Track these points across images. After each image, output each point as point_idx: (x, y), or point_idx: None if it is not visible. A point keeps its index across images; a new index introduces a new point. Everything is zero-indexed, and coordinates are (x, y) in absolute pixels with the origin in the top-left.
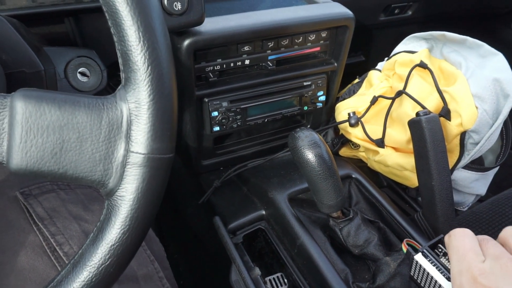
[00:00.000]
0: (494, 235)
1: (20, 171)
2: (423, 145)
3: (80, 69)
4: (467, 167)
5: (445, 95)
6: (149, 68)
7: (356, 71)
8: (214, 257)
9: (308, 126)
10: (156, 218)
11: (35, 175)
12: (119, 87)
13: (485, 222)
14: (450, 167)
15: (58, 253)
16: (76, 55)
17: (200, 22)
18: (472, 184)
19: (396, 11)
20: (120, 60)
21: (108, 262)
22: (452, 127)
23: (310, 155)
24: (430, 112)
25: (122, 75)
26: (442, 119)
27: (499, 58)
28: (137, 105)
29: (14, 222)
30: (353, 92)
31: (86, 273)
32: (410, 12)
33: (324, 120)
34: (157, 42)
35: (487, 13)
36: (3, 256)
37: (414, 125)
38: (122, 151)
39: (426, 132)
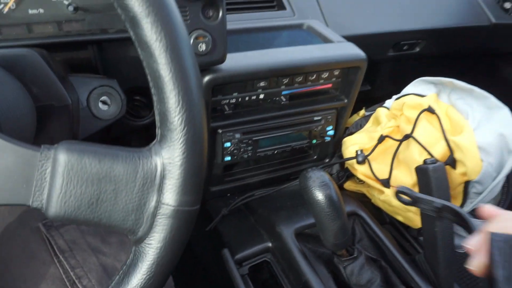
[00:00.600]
0: None
1: (57, 218)
2: (428, 192)
3: (102, 98)
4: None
5: (451, 144)
6: (185, 128)
7: (361, 100)
8: (219, 286)
9: (315, 157)
10: None
11: (71, 222)
12: (153, 142)
13: None
14: None
15: (77, 286)
16: (99, 84)
17: (222, 61)
18: None
19: (404, 48)
20: (157, 118)
21: None
22: (457, 176)
23: (320, 196)
24: (437, 161)
25: (158, 131)
26: (447, 166)
27: (505, 112)
28: (171, 161)
29: (36, 253)
30: (360, 126)
31: None
32: (418, 49)
33: (330, 152)
34: (194, 105)
35: (494, 53)
36: (25, 287)
37: (421, 172)
38: (154, 202)
39: (432, 180)
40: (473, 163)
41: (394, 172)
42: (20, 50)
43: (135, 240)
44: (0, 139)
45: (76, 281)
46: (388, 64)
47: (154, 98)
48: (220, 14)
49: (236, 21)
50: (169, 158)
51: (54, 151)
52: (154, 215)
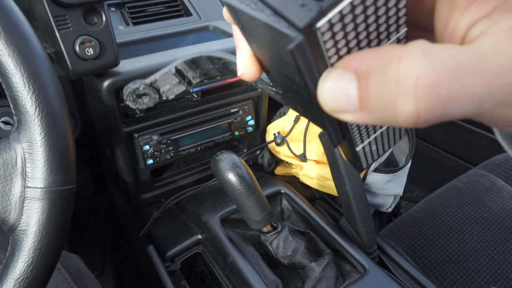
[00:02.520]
0: (427, 234)
1: None
2: (333, 155)
3: (3, 118)
4: (378, 170)
5: None
6: (37, 109)
7: None
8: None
9: (245, 150)
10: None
11: None
12: (12, 130)
13: (418, 221)
14: (363, 172)
15: None
16: None
17: (115, 64)
18: (386, 186)
19: None
20: (11, 105)
21: None
22: None
23: (230, 175)
24: None
25: (14, 118)
26: None
27: None
28: (29, 144)
29: None
30: (283, 113)
31: None
32: None
33: (259, 143)
34: (43, 86)
35: None
36: None
37: (323, 136)
38: (19, 187)
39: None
40: None
41: (308, 146)
42: None
43: (8, 229)
44: None
45: None
46: None
47: (3, 85)
48: (104, 19)
49: (145, 31)
50: (27, 142)
51: None
52: (22, 200)
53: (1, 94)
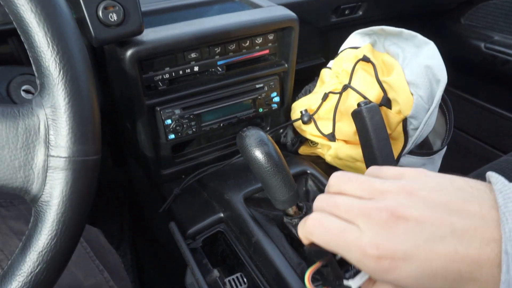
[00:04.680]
0: None
1: None
2: (366, 134)
3: (24, 87)
4: (413, 152)
5: (384, 85)
6: (61, 72)
7: (317, 73)
8: (177, 262)
9: (268, 128)
10: (129, 227)
11: None
12: (35, 94)
13: None
14: (397, 153)
15: None
16: (19, 73)
17: (139, 32)
18: None
19: (346, 12)
20: (33, 67)
21: (37, 270)
22: (393, 115)
23: (257, 152)
24: (370, 102)
25: (37, 81)
26: (383, 108)
27: (431, 46)
28: (53, 109)
29: None
30: (308, 91)
31: (15, 283)
32: (360, 12)
33: (283, 121)
34: (67, 46)
35: (437, 9)
36: None
37: (356, 115)
38: (42, 156)
39: (367, 121)
40: (404, 98)
41: (337, 125)
42: None
43: (31, 200)
44: None
45: None
46: (336, 32)
47: (26, 46)
48: None
49: (165, 0)
50: (51, 107)
51: None
52: (45, 169)
53: (22, 62)
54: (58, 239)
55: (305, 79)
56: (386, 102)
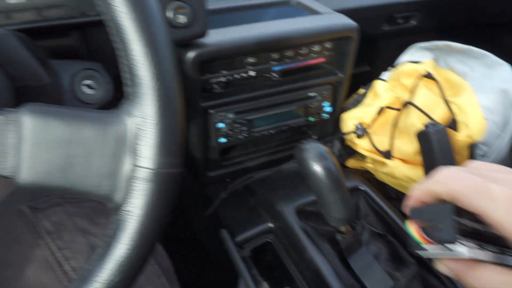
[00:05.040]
0: None
1: (28, 186)
2: (431, 157)
3: (86, 82)
4: None
5: (452, 106)
6: (155, 82)
7: (361, 81)
8: (221, 270)
9: (314, 137)
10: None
11: (43, 189)
12: (124, 102)
13: None
14: None
15: (65, 267)
16: (82, 67)
17: (203, 34)
18: None
19: (399, 21)
20: (125, 75)
21: (115, 279)
22: (461, 139)
23: (317, 167)
24: (438, 124)
25: (128, 89)
26: (450, 130)
27: (506, 68)
28: (143, 119)
29: (21, 236)
30: (358, 102)
31: None
32: (414, 22)
33: (330, 131)
34: (163, 57)
35: (492, 22)
36: (10, 271)
37: (422, 136)
38: (129, 165)
39: (434, 144)
40: (476, 123)
41: (395, 142)
42: None
43: (114, 208)
44: None
45: (64, 263)
46: (386, 41)
47: (120, 53)
48: None
49: (220, 0)
50: (141, 117)
51: (18, 114)
52: (130, 179)
53: (83, 56)
54: (137, 250)
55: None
56: (454, 124)
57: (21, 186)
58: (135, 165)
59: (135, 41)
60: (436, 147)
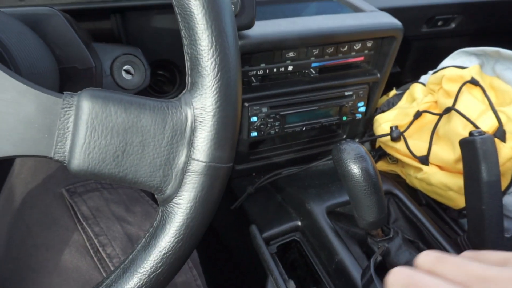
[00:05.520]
0: None
1: (81, 172)
2: (475, 167)
3: (125, 67)
4: None
5: (500, 115)
6: (219, 74)
7: (390, 82)
8: (246, 265)
9: (344, 136)
10: None
11: (95, 177)
12: (184, 91)
13: None
14: (502, 190)
15: (101, 254)
16: (123, 52)
17: (250, 25)
18: None
19: (439, 23)
20: (188, 64)
21: (159, 270)
22: (507, 150)
23: (355, 169)
24: (484, 133)
25: (189, 79)
26: (496, 140)
27: None
28: (202, 111)
29: (59, 219)
30: (392, 104)
31: (136, 279)
32: (453, 25)
33: (360, 131)
34: (229, 48)
35: None
36: (48, 253)
37: (466, 145)
38: (184, 157)
39: (480, 153)
40: None
41: (433, 148)
42: (42, 9)
43: (163, 199)
44: (21, 83)
45: (100, 249)
46: (420, 42)
47: (185, 41)
48: None
49: None
50: (200, 108)
51: (77, 97)
52: (184, 171)
53: (121, 41)
54: (183, 243)
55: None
56: (501, 134)
57: (74, 173)
58: (190, 157)
59: (204, 30)
60: (481, 156)
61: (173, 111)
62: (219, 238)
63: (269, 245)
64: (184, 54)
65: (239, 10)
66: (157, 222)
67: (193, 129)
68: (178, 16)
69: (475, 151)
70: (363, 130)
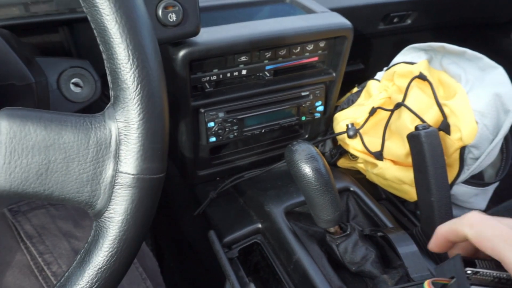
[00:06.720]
0: None
1: (3, 193)
2: (422, 160)
3: (73, 80)
4: (466, 182)
5: (444, 108)
6: (139, 86)
7: (355, 79)
8: (209, 270)
9: (306, 136)
10: (152, 227)
11: (19, 196)
12: (108, 106)
13: None
14: (450, 182)
15: (46, 272)
16: (69, 65)
17: (195, 33)
18: (471, 199)
19: (395, 20)
20: (109, 78)
21: (95, 286)
22: (452, 142)
23: (307, 169)
24: (429, 126)
25: (111, 93)
26: (441, 133)
27: (499, 71)
28: (126, 124)
29: (0, 240)
30: (351, 101)
31: None
32: (409, 21)
33: (322, 130)
34: (147, 60)
35: (487, 22)
36: None
37: (413, 139)
38: (111, 171)
39: (425, 147)
40: (468, 126)
41: (386, 144)
42: None
43: (94, 214)
44: None
45: (45, 268)
46: (381, 39)
47: (104, 55)
48: None
49: None
50: (124, 121)
51: None
52: (112, 185)
53: (71, 53)
54: (118, 256)
55: (342, 84)
56: (445, 127)
57: None
58: (117, 171)
59: (119, 44)
60: (427, 149)
61: (96, 126)
62: (186, 244)
63: (230, 249)
64: (105, 68)
65: (182, 18)
66: (91, 237)
67: (118, 143)
68: (95, 31)
69: (420, 145)
70: (325, 128)
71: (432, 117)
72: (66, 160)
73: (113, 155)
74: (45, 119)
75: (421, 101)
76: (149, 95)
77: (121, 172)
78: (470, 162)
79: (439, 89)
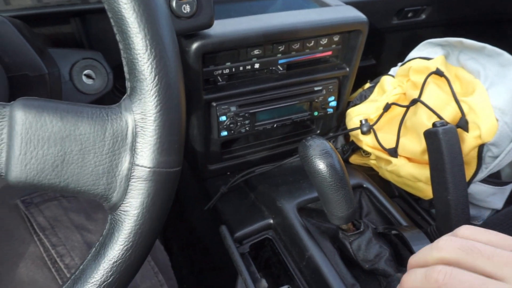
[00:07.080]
0: None
1: (19, 183)
2: (439, 157)
3: (86, 72)
4: (484, 180)
5: (463, 105)
6: (156, 78)
7: (366, 75)
8: (219, 265)
9: (318, 131)
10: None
11: (35, 187)
12: (124, 97)
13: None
14: (467, 180)
15: (59, 265)
16: (82, 57)
17: (209, 25)
18: (489, 198)
19: (409, 15)
20: (125, 69)
21: (110, 280)
22: (470, 139)
23: (321, 165)
24: (447, 123)
25: (128, 84)
26: (459, 130)
27: None
28: (143, 116)
29: (14, 232)
30: (364, 97)
31: None
32: (423, 16)
33: (334, 126)
34: (165, 51)
35: (503, 18)
36: (2, 268)
37: (430, 136)
38: (127, 164)
39: (443, 144)
40: (487, 124)
41: (401, 140)
42: None
43: (110, 207)
44: None
45: (58, 260)
46: (393, 34)
47: (120, 46)
48: None
49: None
50: (141, 113)
51: (9, 108)
52: (128, 178)
53: (83, 45)
54: (133, 250)
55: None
56: (464, 124)
57: (12, 184)
58: (134, 164)
59: (137, 34)
60: (444, 146)
61: (112, 117)
62: (197, 239)
63: (241, 244)
64: (122, 59)
65: (196, 10)
66: (106, 231)
67: (135, 135)
68: (112, 20)
69: (438, 142)
70: (337, 124)
71: (449, 114)
72: (82, 152)
73: (130, 148)
74: (61, 110)
75: (438, 98)
76: (166, 87)
77: (137, 165)
78: (488, 161)
79: (456, 85)
